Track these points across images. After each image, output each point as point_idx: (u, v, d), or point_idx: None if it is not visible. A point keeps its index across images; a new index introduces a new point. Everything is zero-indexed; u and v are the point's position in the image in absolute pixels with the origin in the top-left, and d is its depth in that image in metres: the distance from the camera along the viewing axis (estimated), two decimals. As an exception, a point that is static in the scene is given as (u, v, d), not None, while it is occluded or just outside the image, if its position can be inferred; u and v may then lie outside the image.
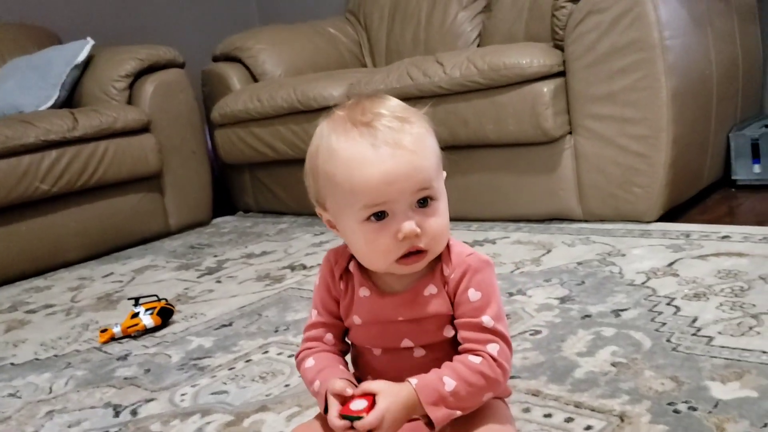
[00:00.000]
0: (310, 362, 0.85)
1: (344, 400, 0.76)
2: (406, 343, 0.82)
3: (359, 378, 0.87)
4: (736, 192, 2.13)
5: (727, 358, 1.06)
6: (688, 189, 2.01)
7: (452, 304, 0.81)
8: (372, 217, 0.75)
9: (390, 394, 0.74)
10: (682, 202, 1.99)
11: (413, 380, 0.76)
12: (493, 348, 0.78)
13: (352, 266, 0.84)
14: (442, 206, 0.78)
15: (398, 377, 0.82)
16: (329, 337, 0.87)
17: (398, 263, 0.76)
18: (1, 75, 2.75)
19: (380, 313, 0.82)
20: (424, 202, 0.76)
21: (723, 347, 1.10)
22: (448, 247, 0.81)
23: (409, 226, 0.74)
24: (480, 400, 0.78)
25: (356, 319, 0.84)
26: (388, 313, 0.82)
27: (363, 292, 0.83)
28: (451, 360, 0.80)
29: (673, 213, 1.93)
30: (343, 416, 0.74)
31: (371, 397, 0.74)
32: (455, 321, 0.81)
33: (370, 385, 0.75)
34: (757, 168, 2.11)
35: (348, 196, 0.75)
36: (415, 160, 0.74)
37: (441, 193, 0.78)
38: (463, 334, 0.79)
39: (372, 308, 0.83)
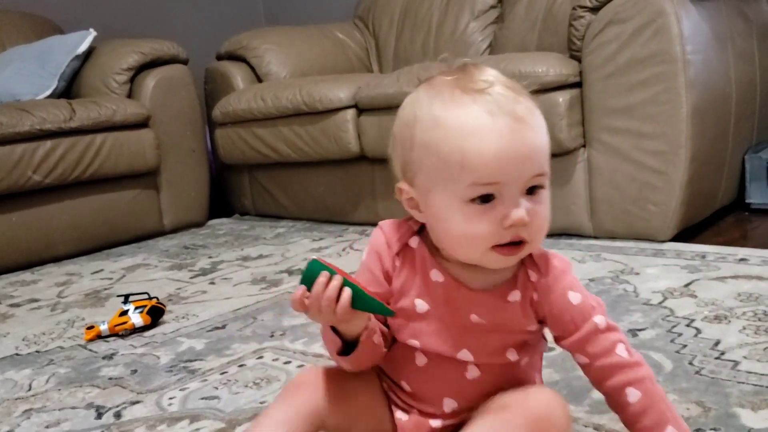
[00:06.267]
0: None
1: None
2: (464, 355, 0.74)
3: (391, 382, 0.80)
4: (750, 215, 2.07)
5: (756, 385, 0.99)
6: (703, 210, 1.95)
7: (537, 316, 0.73)
8: (477, 200, 0.66)
9: None
10: (696, 223, 1.93)
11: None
12: (623, 350, 0.72)
13: (415, 242, 0.75)
14: (548, 197, 0.70)
15: (437, 394, 0.75)
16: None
17: (495, 250, 0.67)
18: (0, 62, 2.68)
19: (454, 303, 0.73)
20: (532, 189, 0.67)
21: (750, 373, 1.03)
22: None
23: (519, 213, 0.65)
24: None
25: (421, 304, 0.74)
26: (464, 307, 0.73)
27: (435, 275, 0.73)
28: (506, 384, 0.74)
29: (686, 234, 1.87)
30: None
31: None
32: (569, 340, 0.72)
33: None
34: (772, 192, 2.05)
35: (454, 170, 0.66)
36: (536, 139, 0.66)
37: (548, 182, 0.70)
38: (587, 350, 0.72)
39: (446, 296, 0.73)
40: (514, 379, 0.76)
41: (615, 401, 0.73)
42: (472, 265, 0.71)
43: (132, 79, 2.61)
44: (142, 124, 2.51)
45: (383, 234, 0.76)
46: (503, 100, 0.65)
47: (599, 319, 0.72)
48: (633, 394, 0.70)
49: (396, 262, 0.75)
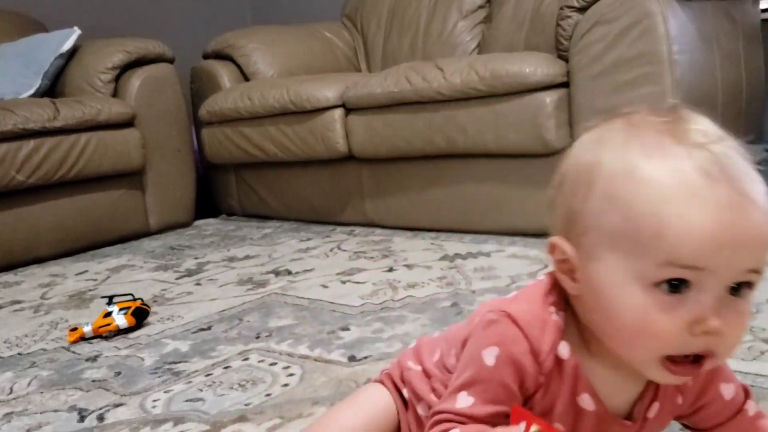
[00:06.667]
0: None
1: None
2: None
3: None
4: (736, 216, 2.08)
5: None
6: (689, 210, 1.95)
7: (683, 415, 0.65)
8: (665, 285, 0.50)
9: None
10: (682, 223, 1.93)
11: None
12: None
13: (566, 351, 0.58)
14: (751, 301, 0.54)
15: None
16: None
17: (666, 366, 0.52)
18: (-18, 61, 2.65)
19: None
20: (738, 288, 0.52)
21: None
22: None
23: (715, 318, 0.50)
24: None
25: (559, 429, 0.60)
26: None
27: (585, 401, 0.59)
28: None
29: (672, 234, 1.87)
30: None
31: None
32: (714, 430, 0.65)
33: None
34: (758, 192, 2.06)
35: (645, 239, 0.50)
36: (764, 224, 0.50)
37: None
38: None
39: (590, 426, 0.60)
40: None
41: None
42: (617, 371, 0.59)
43: (117, 78, 2.59)
44: (127, 123, 2.49)
45: (525, 337, 0.57)
46: (729, 163, 0.50)
47: (750, 407, 0.63)
48: None
49: (541, 379, 0.58)
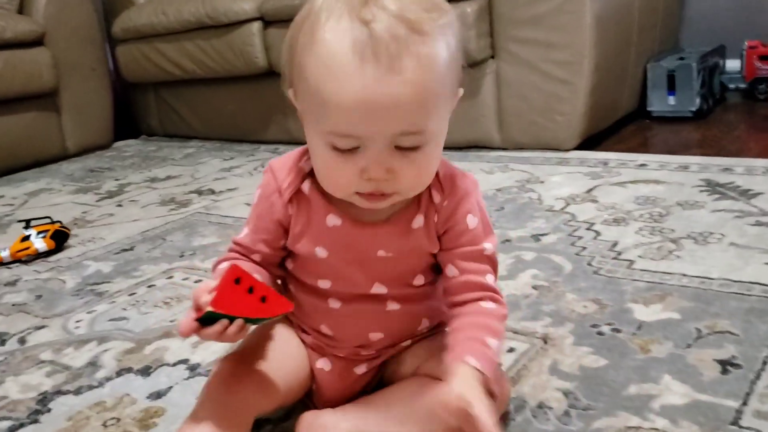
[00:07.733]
0: (225, 264, 0.71)
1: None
2: (378, 289, 0.72)
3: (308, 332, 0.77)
4: (651, 123, 2.14)
5: (649, 281, 1.04)
6: (606, 118, 2.00)
7: (438, 236, 0.70)
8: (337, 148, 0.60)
9: (476, 397, 0.58)
10: (599, 131, 1.98)
11: (474, 362, 0.62)
12: (491, 279, 0.70)
13: (307, 187, 0.70)
14: (429, 152, 0.62)
15: (361, 331, 0.74)
16: (257, 257, 0.73)
17: (359, 196, 0.63)
18: None
19: (357, 245, 0.70)
20: (407, 148, 0.61)
21: (644, 270, 1.09)
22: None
23: (377, 171, 0.60)
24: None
25: (321, 252, 0.71)
26: (369, 245, 0.70)
27: (332, 220, 0.69)
28: (424, 310, 0.75)
29: (589, 142, 1.92)
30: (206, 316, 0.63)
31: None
32: (450, 252, 0.70)
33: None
34: (671, 100, 2.12)
35: (317, 109, 0.59)
36: (408, 96, 0.56)
37: (434, 135, 0.61)
38: (461, 264, 0.70)
39: (347, 239, 0.69)
40: (430, 308, 0.76)
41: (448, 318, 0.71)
42: None
43: (21, -5, 2.45)
44: (36, 42, 2.37)
45: (274, 180, 0.70)
46: (383, 42, 0.55)
47: (488, 246, 0.70)
48: (493, 345, 0.66)
49: (289, 210, 0.70)
